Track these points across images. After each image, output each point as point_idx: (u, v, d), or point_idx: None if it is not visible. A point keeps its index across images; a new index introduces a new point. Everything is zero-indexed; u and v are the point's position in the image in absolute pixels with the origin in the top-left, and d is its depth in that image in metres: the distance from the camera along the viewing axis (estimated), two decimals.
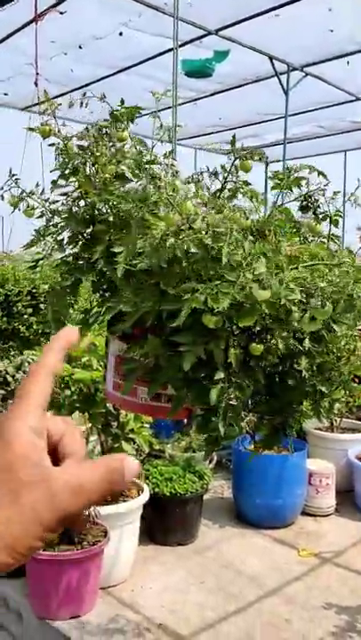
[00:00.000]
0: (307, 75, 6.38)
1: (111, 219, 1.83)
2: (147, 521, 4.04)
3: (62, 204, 1.94)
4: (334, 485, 4.73)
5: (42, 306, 4.04)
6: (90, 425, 3.62)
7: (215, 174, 2.02)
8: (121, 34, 5.43)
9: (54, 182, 1.88)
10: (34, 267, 1.96)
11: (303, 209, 2.11)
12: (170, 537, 4.08)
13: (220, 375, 1.72)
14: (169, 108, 7.69)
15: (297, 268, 1.86)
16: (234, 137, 1.87)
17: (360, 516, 4.70)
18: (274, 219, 1.99)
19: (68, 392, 3.43)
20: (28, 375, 0.59)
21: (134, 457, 3.51)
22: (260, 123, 8.00)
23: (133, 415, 3.47)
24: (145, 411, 2.17)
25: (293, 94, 6.55)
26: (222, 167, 2.01)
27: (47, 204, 2.02)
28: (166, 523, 4.05)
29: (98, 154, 1.96)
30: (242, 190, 2.03)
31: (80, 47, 5.66)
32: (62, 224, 1.89)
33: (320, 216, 2.10)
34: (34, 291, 3.62)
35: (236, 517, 4.58)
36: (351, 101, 7.14)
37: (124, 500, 3.61)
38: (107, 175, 1.92)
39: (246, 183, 2.03)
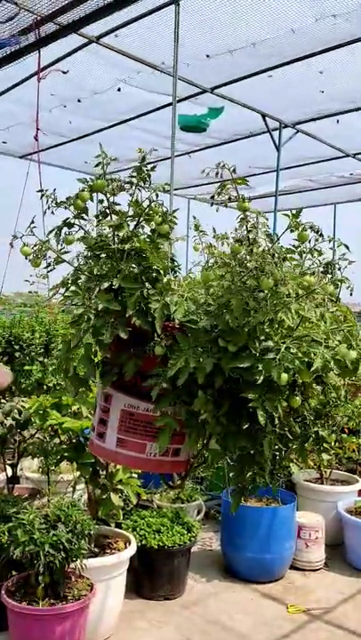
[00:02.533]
0: (298, 132, 6.58)
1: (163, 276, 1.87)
2: (134, 573, 3.97)
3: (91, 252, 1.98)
4: (324, 539, 4.68)
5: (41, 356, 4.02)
6: (78, 474, 3.59)
7: (270, 236, 2.04)
8: (119, 89, 5.60)
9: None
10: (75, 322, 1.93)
11: (314, 274, 2.17)
12: (157, 590, 4.00)
13: (269, 427, 1.76)
14: (164, 159, 7.89)
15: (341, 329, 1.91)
16: (300, 210, 1.90)
17: (350, 570, 4.64)
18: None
19: (56, 440, 3.41)
20: None
21: (122, 508, 3.46)
22: (252, 175, 8.18)
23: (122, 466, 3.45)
24: (149, 466, 2.16)
25: (285, 149, 6.73)
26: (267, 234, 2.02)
27: (60, 252, 2.06)
28: (154, 576, 3.98)
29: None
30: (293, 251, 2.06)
31: (79, 101, 5.82)
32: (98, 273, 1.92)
33: (334, 280, 2.15)
34: (32, 341, 3.64)
35: (224, 571, 4.51)
36: (340, 157, 7.35)
37: (111, 553, 3.55)
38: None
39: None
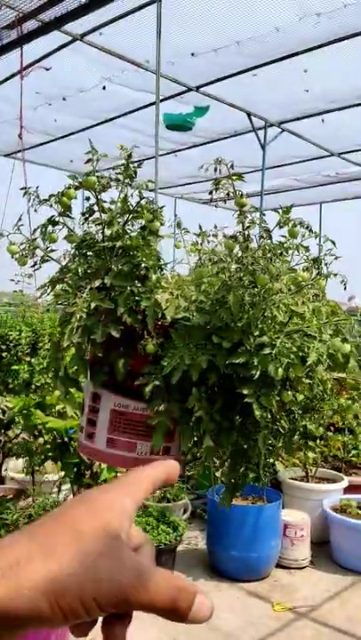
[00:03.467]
0: (283, 131, 6.60)
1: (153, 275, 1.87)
2: None
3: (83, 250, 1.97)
4: (309, 537, 4.70)
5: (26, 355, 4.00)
6: (63, 474, 3.57)
7: (263, 236, 2.04)
8: (104, 88, 5.58)
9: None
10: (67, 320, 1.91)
11: (307, 269, 2.17)
12: None
13: (263, 422, 1.76)
14: (149, 158, 7.87)
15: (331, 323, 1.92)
16: (289, 207, 1.91)
17: (336, 568, 4.65)
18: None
19: (41, 440, 3.39)
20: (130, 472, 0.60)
21: None
22: (239, 174, 8.20)
23: (106, 465, 3.43)
24: (138, 464, 2.15)
25: (270, 148, 6.76)
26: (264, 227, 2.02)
27: (46, 250, 2.05)
28: None
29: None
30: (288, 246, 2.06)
31: (64, 99, 5.80)
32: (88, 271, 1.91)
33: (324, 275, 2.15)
34: (20, 340, 3.61)
35: (210, 570, 4.50)
36: (326, 157, 7.38)
37: None
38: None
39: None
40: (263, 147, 6.61)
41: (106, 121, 6.49)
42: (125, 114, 6.29)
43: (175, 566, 4.22)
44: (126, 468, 3.28)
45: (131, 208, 1.86)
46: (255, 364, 1.60)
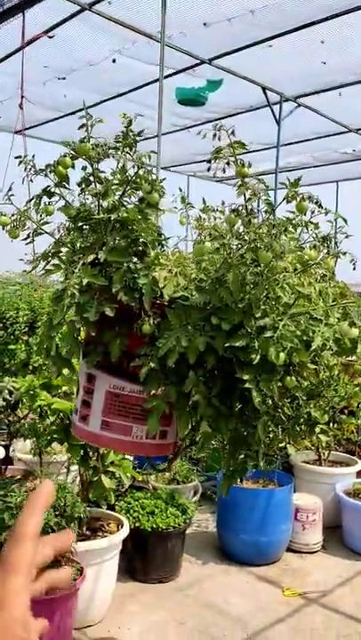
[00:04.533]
0: (299, 105, 6.39)
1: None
2: (127, 556, 3.90)
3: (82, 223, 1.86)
4: (321, 521, 4.61)
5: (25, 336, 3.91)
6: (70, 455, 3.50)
7: (270, 205, 1.92)
8: (114, 61, 5.42)
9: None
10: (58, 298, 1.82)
11: (315, 247, 2.05)
12: (151, 574, 3.94)
13: (263, 408, 1.66)
14: (154, 137, 7.71)
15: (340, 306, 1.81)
16: (298, 180, 1.78)
17: (347, 553, 4.58)
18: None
19: (47, 421, 3.32)
20: (13, 539, 0.62)
21: (114, 490, 3.38)
22: (252, 152, 8.00)
23: None
24: (135, 449, 2.06)
25: (286, 124, 6.55)
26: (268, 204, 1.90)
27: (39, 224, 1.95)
28: (147, 559, 3.91)
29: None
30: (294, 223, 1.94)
31: (73, 71, 5.64)
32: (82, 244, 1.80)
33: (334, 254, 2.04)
34: (18, 319, 3.53)
35: (219, 553, 4.45)
36: (343, 133, 7.17)
37: (104, 536, 3.48)
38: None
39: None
40: (278, 122, 6.41)
41: (117, 96, 6.32)
42: (136, 88, 6.12)
43: (185, 549, 4.16)
44: (122, 452, 3.21)
45: (128, 179, 1.75)
46: (256, 347, 1.49)
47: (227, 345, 1.64)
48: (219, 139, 1.75)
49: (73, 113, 6.85)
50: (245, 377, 1.61)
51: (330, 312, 1.63)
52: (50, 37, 4.62)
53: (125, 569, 3.93)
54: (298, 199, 1.68)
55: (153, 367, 1.77)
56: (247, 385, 1.60)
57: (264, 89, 6.01)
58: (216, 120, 7.02)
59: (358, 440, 5.58)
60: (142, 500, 3.98)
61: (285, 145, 7.24)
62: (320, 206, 1.69)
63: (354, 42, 4.90)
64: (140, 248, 1.87)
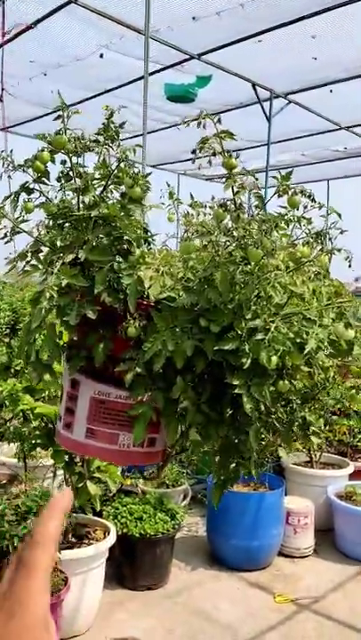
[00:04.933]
0: (290, 102, 6.31)
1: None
2: (115, 563, 3.81)
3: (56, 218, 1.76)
4: (313, 525, 4.54)
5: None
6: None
7: (261, 198, 1.83)
8: (102, 56, 5.32)
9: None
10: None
11: (308, 244, 1.96)
12: (139, 580, 3.85)
13: (255, 415, 1.56)
14: (151, 132, 7.60)
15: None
16: (290, 172, 1.70)
17: (340, 557, 4.50)
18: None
19: (30, 426, 3.22)
20: (34, 541, 0.64)
21: (101, 496, 3.28)
22: (243, 149, 7.92)
23: None
24: (122, 458, 1.95)
25: (276, 122, 6.47)
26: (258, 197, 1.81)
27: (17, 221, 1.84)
28: (135, 565, 3.82)
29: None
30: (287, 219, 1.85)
31: (59, 67, 5.53)
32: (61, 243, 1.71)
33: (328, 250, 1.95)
34: None
35: (209, 558, 4.36)
36: (334, 130, 7.10)
37: (90, 543, 3.38)
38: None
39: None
40: (269, 119, 6.33)
41: (104, 92, 6.22)
42: (125, 84, 6.02)
43: (174, 555, 4.07)
44: (109, 461, 3.11)
45: (109, 173, 1.65)
46: (246, 350, 1.40)
47: (216, 348, 1.55)
48: (204, 127, 1.65)
49: (69, 117, 6.72)
50: (236, 382, 1.52)
51: (324, 312, 1.54)
52: (31, 28, 4.50)
53: (113, 575, 3.84)
54: (290, 193, 1.59)
55: (139, 372, 1.68)
56: (238, 390, 1.51)
57: (254, 85, 5.93)
58: (209, 115, 6.94)
59: (350, 441, 5.51)
60: (130, 506, 3.88)
61: (276, 142, 7.17)
62: (313, 200, 1.60)
63: (345, 37, 4.83)
64: (125, 246, 1.77)
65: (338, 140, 7.60)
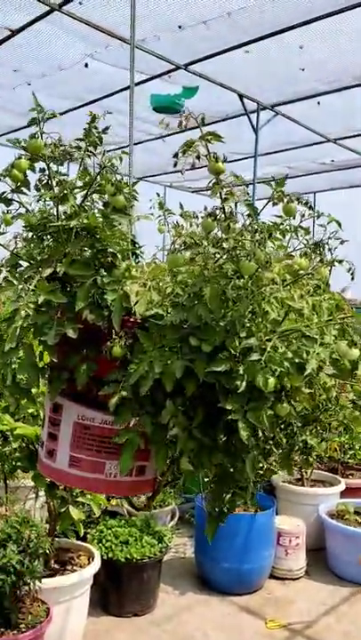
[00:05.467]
0: (277, 114, 6.25)
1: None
2: (100, 588, 3.65)
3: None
4: (305, 545, 4.40)
5: None
6: None
7: (251, 206, 1.72)
8: (87, 65, 5.23)
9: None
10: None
11: (306, 254, 1.85)
12: (126, 607, 3.68)
13: (252, 441, 1.44)
14: (139, 142, 7.51)
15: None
16: (283, 178, 1.59)
17: (332, 578, 4.37)
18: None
19: (10, 447, 3.07)
20: None
21: (84, 521, 3.13)
22: (231, 162, 7.85)
23: None
24: (110, 488, 1.81)
25: (263, 134, 6.41)
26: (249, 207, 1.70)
27: None
28: (121, 591, 3.66)
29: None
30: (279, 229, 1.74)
31: (44, 76, 5.43)
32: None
33: (325, 261, 1.84)
34: None
35: (199, 581, 4.20)
36: (321, 143, 7.05)
37: (73, 570, 3.22)
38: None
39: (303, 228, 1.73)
40: (256, 131, 6.26)
41: (89, 102, 6.12)
42: (110, 94, 5.92)
43: (162, 578, 3.91)
44: (95, 492, 2.96)
45: (90, 180, 1.53)
46: (241, 372, 1.28)
47: (207, 370, 1.43)
48: (185, 127, 1.54)
49: (45, 120, 6.60)
50: (230, 406, 1.40)
51: (325, 329, 1.42)
52: (11, 32, 4.39)
53: (98, 601, 3.68)
54: (285, 200, 1.48)
55: (125, 396, 1.55)
56: (233, 416, 1.38)
57: (241, 96, 5.86)
58: (193, 129, 6.86)
59: (341, 457, 5.40)
60: (116, 529, 3.73)
61: (263, 155, 7.10)
62: (311, 208, 1.49)
63: (332, 48, 4.77)
64: (110, 259, 1.65)
65: (325, 153, 7.55)
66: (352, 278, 1.50)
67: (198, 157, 1.49)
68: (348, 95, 5.66)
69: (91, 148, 1.73)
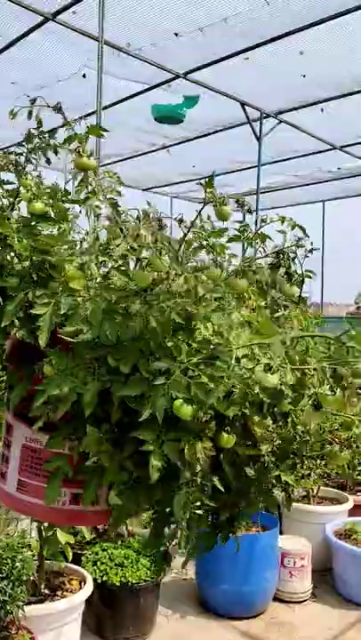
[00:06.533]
0: (280, 122, 6.15)
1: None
2: (94, 613, 3.51)
3: None
4: (310, 566, 4.23)
5: None
6: None
7: (181, 221, 1.62)
8: (85, 75, 5.17)
9: None
10: None
11: (273, 267, 1.73)
12: (121, 632, 3.53)
13: (184, 477, 1.29)
14: (143, 153, 7.45)
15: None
16: (211, 177, 1.48)
17: (339, 601, 4.18)
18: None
19: None
20: None
21: (79, 542, 2.99)
22: (235, 171, 7.76)
23: None
24: (61, 517, 1.69)
25: (268, 142, 6.31)
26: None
27: None
28: (116, 616, 3.51)
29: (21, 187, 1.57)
30: (209, 241, 1.62)
31: (42, 88, 5.38)
32: None
33: (294, 276, 1.71)
34: None
35: (199, 604, 4.04)
36: (327, 150, 6.93)
37: (63, 596, 3.09)
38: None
39: (219, 233, 1.62)
40: (259, 139, 6.16)
41: (88, 114, 6.05)
42: (108, 106, 5.85)
43: (160, 600, 3.76)
44: (44, 520, 2.82)
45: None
46: (151, 397, 1.14)
47: (118, 394, 1.28)
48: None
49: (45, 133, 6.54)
50: (143, 436, 1.24)
51: (254, 350, 1.25)
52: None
53: (93, 626, 3.54)
54: (218, 203, 1.34)
55: (52, 418, 1.42)
56: (145, 447, 1.23)
57: (243, 104, 5.77)
58: (196, 138, 6.78)
59: (350, 473, 5.22)
60: (111, 550, 3.59)
61: (268, 164, 7.00)
62: (249, 211, 1.36)
63: (333, 52, 4.66)
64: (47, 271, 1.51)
65: (332, 161, 7.43)
66: (302, 280, 1.36)
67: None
68: (352, 101, 5.55)
69: (33, 154, 1.63)
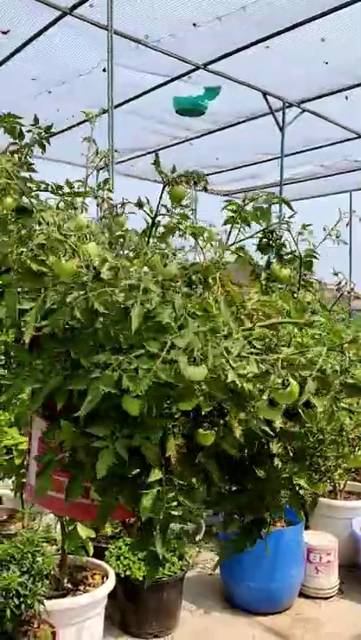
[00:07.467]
0: (304, 111, 6.04)
1: None
2: (118, 608, 3.52)
3: None
4: (337, 561, 4.17)
5: None
6: None
7: (140, 205, 1.61)
8: (104, 70, 5.14)
9: None
10: None
11: (263, 249, 1.68)
12: (144, 627, 3.54)
13: (155, 475, 1.26)
14: (165, 147, 7.40)
15: (252, 329, 1.42)
16: (157, 156, 1.47)
17: None
18: (222, 263, 1.57)
19: (17, 461, 2.97)
20: None
21: (104, 536, 2.98)
22: (259, 163, 7.66)
23: None
24: (78, 511, 1.69)
25: (292, 132, 6.19)
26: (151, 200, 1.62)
27: None
28: (140, 611, 3.51)
29: None
30: (181, 226, 1.61)
31: (63, 83, 5.37)
32: None
33: (285, 257, 1.67)
34: None
35: (224, 600, 4.02)
36: (353, 139, 6.79)
37: (85, 590, 3.10)
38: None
39: (185, 217, 1.61)
40: (282, 129, 6.06)
41: (105, 111, 6.02)
42: (130, 99, 5.82)
43: (185, 595, 3.74)
44: (62, 514, 2.81)
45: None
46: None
47: (69, 388, 1.25)
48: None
49: (69, 128, 6.53)
50: (96, 432, 1.21)
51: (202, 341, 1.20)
52: (4, 33, 4.33)
53: (118, 621, 3.54)
54: (172, 184, 1.32)
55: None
56: (97, 443, 1.20)
57: (265, 94, 5.68)
58: (218, 130, 6.70)
59: None
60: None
61: (293, 154, 6.89)
62: (205, 189, 1.34)
63: (356, 38, 4.55)
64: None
65: (358, 150, 7.27)
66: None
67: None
68: None
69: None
